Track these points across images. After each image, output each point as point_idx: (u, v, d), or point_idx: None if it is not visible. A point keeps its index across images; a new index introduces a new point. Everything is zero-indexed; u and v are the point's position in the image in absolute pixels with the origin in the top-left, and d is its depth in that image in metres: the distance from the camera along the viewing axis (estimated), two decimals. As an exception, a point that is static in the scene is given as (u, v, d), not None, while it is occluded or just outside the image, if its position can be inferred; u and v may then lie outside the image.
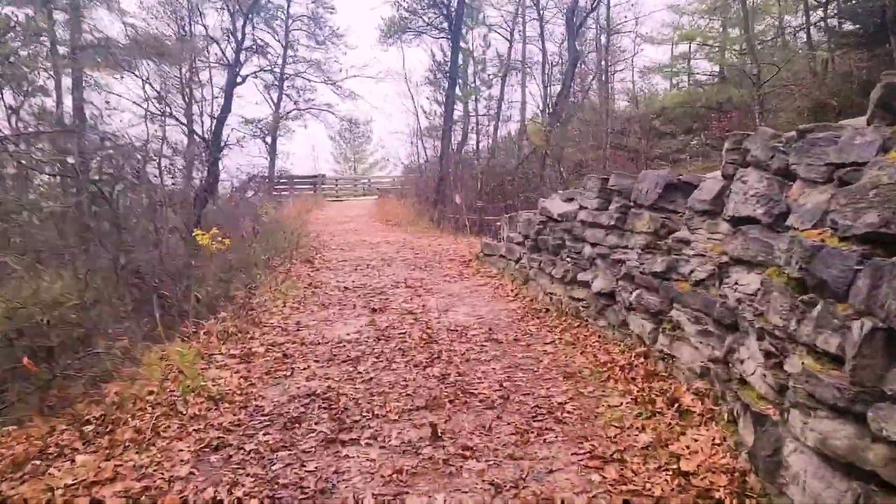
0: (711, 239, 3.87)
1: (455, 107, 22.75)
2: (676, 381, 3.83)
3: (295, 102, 32.44)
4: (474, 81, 27.27)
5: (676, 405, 3.41)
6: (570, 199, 6.67)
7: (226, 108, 11.28)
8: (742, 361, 3.08)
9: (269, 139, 30.73)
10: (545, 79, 21.08)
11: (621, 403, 3.70)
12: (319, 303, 7.28)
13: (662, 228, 4.47)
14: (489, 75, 26.91)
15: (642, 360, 4.24)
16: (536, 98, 30.54)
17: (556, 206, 6.73)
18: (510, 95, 28.19)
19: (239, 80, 12.70)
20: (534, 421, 3.60)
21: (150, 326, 5.81)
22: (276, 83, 31.05)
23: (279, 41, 30.10)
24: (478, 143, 26.18)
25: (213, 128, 11.29)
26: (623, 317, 4.83)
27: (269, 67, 25.48)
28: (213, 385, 4.45)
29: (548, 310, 6.36)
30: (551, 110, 18.38)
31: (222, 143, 11.44)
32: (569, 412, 3.68)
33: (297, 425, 3.72)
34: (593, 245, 5.60)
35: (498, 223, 18.32)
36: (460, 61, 21.98)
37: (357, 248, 12.18)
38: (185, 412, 3.95)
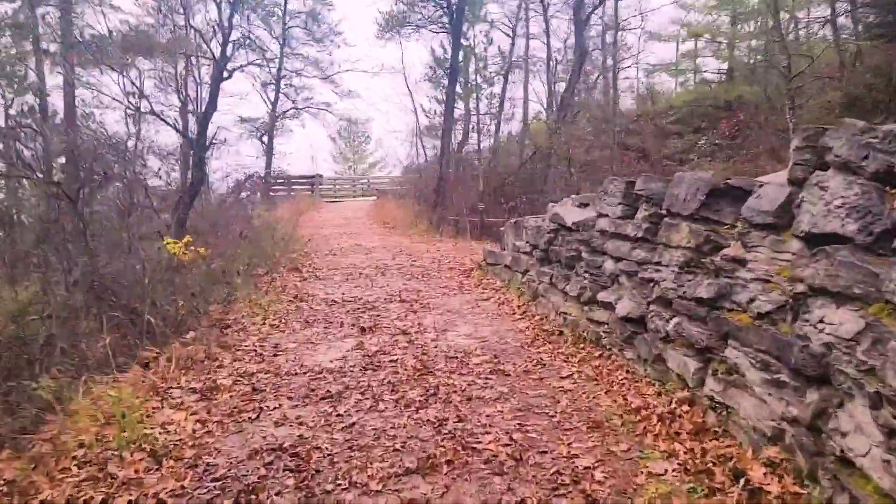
0: (776, 260, 3.07)
1: (455, 105, 22.00)
2: (736, 441, 3.03)
3: (293, 101, 31.70)
4: (475, 79, 26.50)
5: (743, 480, 2.60)
6: (586, 205, 5.87)
7: (211, 105, 10.49)
8: (844, 434, 2.28)
9: (265, 138, 29.97)
10: (550, 76, 20.30)
11: (667, 471, 2.90)
12: (303, 320, 6.49)
13: (706, 244, 3.67)
14: (491, 73, 26.14)
15: (686, 408, 3.43)
16: (540, 96, 29.79)
17: (570, 213, 5.93)
18: (512, 93, 27.40)
19: (225, 74, 11.90)
20: (555, 495, 2.81)
21: (102, 352, 5.02)
22: (273, 81, 30.30)
23: (276, 38, 29.35)
24: (479, 142, 25.41)
25: (198, 125, 10.47)
26: (657, 350, 4.03)
27: (260, 62, 24.59)
28: (161, 433, 3.65)
29: (561, 332, 5.55)
30: (557, 108, 17.57)
31: (208, 142, 10.62)
32: (599, 482, 2.88)
33: (252, 497, 2.92)
34: (616, 260, 4.80)
35: (501, 227, 17.56)
36: (461, 58, 21.18)
37: (350, 253, 11.39)
38: (117, 475, 3.16)
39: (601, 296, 5.00)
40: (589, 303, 5.24)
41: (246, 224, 14.58)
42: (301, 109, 31.17)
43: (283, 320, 6.50)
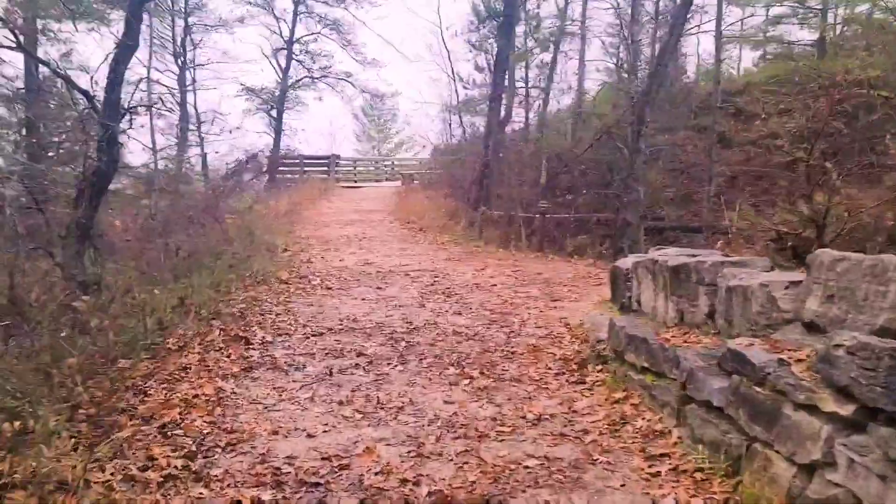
0: None
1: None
2: None
3: (308, 70, 27.40)
4: (525, 43, 21.86)
5: None
6: None
7: (127, 47, 6.25)
8: None
9: (274, 112, 25.78)
10: (626, 32, 15.55)
11: None
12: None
13: None
14: (546, 34, 21.44)
15: None
16: (597, 65, 25.02)
17: None
18: (563, 65, 22.70)
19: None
20: None
21: None
22: (285, 46, 26.00)
23: (289, -7, 25.05)
24: (527, 120, 20.87)
25: (108, 79, 6.21)
26: None
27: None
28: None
29: None
30: (648, 72, 12.95)
31: (123, 107, 6.40)
32: None
33: None
34: None
35: (577, 235, 13.09)
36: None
37: (352, 285, 7.10)
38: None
39: None
40: None
41: (221, 222, 10.42)
42: (317, 79, 26.85)
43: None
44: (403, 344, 4.88)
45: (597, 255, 12.08)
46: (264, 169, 22.44)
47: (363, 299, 6.50)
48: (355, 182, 24.96)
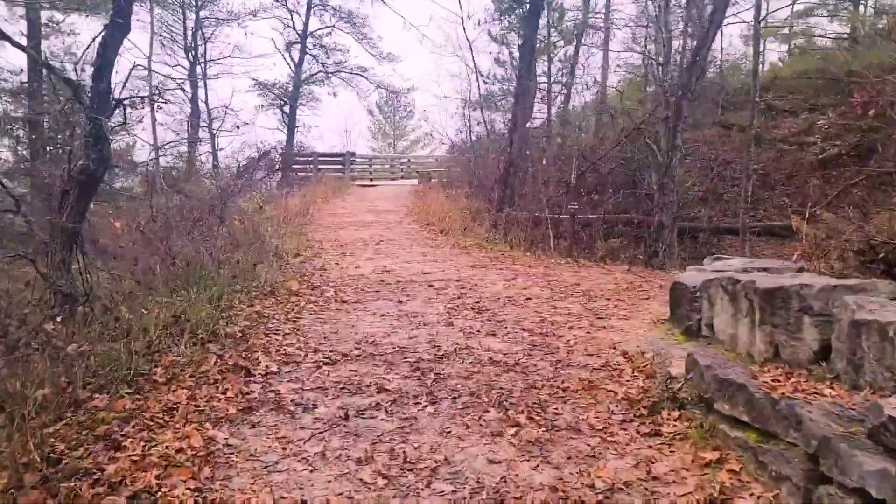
0: None
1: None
2: None
3: (322, 64, 26.74)
4: (548, 34, 20.97)
5: None
6: None
7: (117, 27, 5.53)
8: None
9: (287, 108, 25.15)
10: (660, 21, 14.57)
11: None
12: None
13: None
14: (569, 26, 20.58)
15: None
16: (620, 61, 24.12)
17: None
18: (585, 59, 21.80)
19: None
20: None
21: None
22: (299, 40, 25.34)
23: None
24: (549, 116, 19.99)
25: (95, 65, 5.51)
26: None
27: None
28: None
29: None
30: (686, 64, 12.02)
31: (113, 98, 5.68)
32: None
33: None
34: None
35: (607, 238, 12.20)
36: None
37: (370, 298, 6.35)
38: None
39: None
40: None
41: (224, 222, 9.74)
42: (331, 74, 26.18)
43: None
44: (432, 376, 4.12)
45: (629, 259, 11.25)
46: (277, 167, 21.80)
47: (382, 315, 5.75)
48: (371, 180, 24.24)
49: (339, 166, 23.98)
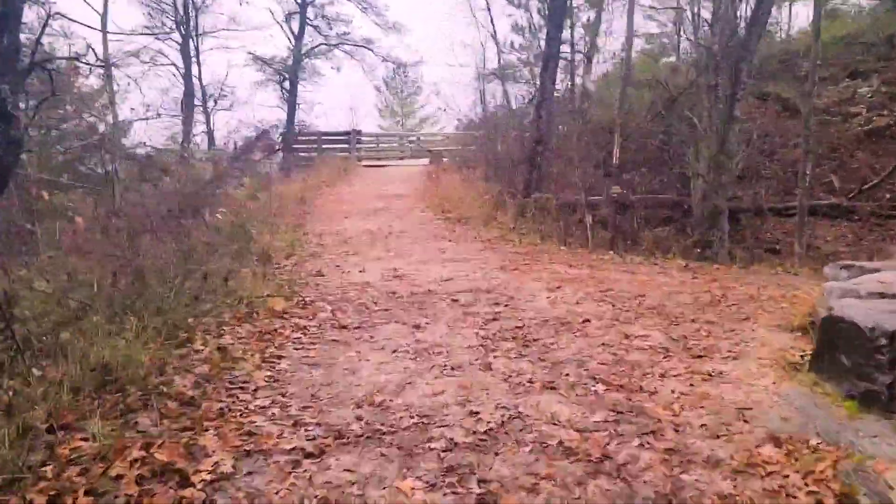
0: None
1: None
2: None
3: (324, 36, 24.92)
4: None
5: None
6: None
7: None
8: None
9: (286, 84, 23.44)
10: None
11: None
12: None
13: None
14: (594, -12, 18.66)
15: None
16: (647, 28, 22.14)
17: None
18: (609, 25, 19.95)
19: None
20: None
21: None
22: (298, 10, 23.53)
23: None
24: (572, 87, 18.24)
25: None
26: None
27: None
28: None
29: None
30: (748, 20, 10.20)
31: (23, 61, 4.11)
32: None
33: None
34: None
35: (650, 226, 10.49)
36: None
37: (378, 321, 4.76)
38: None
39: None
40: None
41: (209, 214, 8.25)
42: (334, 46, 24.38)
43: None
44: (474, 485, 2.57)
45: (681, 251, 9.62)
46: (277, 147, 20.23)
47: (393, 351, 4.20)
48: (378, 160, 22.52)
49: (345, 146, 22.29)
